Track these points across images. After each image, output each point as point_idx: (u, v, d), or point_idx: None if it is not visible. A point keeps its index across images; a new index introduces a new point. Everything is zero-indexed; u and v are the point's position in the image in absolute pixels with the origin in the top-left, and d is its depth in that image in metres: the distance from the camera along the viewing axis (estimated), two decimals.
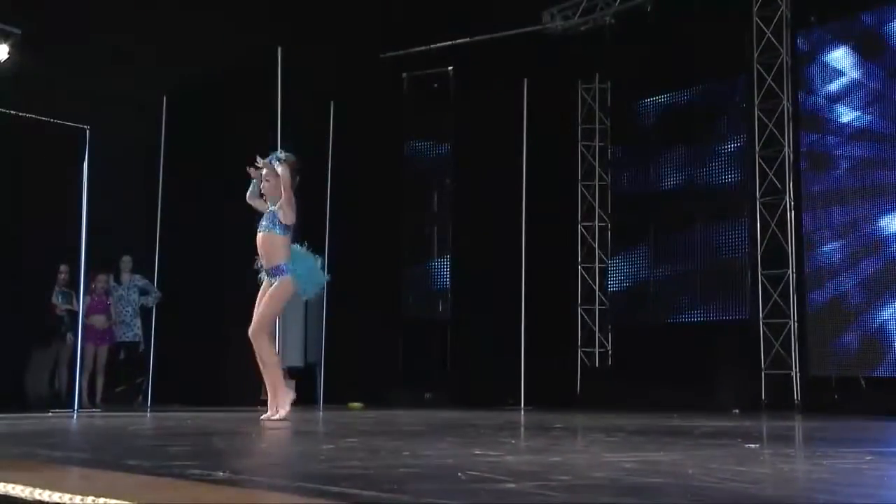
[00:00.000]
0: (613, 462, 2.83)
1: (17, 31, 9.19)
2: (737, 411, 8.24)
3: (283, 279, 5.83)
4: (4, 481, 1.68)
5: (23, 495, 1.54)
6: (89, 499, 1.45)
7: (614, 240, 10.87)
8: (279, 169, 5.85)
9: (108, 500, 1.43)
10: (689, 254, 9.96)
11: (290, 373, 10.89)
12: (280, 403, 5.80)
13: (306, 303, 11.51)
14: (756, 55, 9.44)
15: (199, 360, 9.69)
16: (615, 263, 10.82)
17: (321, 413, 8.67)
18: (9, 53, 9.19)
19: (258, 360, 5.95)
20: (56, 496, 1.49)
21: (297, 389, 10.82)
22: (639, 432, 4.61)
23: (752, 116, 9.42)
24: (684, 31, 9.71)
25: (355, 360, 10.66)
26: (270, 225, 5.84)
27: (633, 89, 10.64)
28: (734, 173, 9.68)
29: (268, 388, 5.95)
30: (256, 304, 5.93)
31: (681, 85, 10.16)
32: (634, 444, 3.76)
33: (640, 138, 10.63)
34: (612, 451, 3.39)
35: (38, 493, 1.53)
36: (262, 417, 5.79)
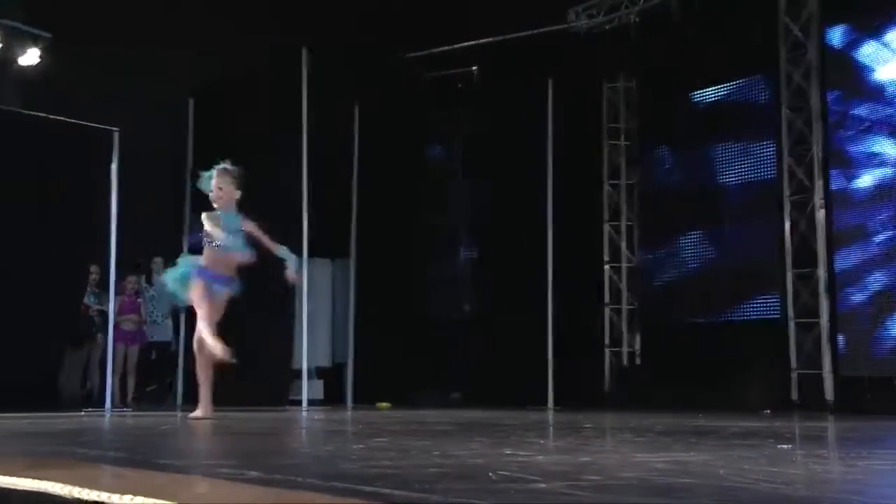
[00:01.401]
0: (643, 462, 2.82)
1: (47, 35, 9.31)
2: (767, 412, 8.17)
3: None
4: (43, 479, 1.71)
5: (62, 493, 1.56)
6: (127, 497, 1.47)
7: (641, 239, 10.82)
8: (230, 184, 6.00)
9: (144, 499, 1.45)
10: (717, 253, 9.89)
11: (318, 372, 10.97)
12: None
13: (334, 303, 11.61)
14: (784, 52, 9.35)
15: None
16: (642, 263, 10.77)
17: (349, 413, 8.70)
18: (40, 57, 9.31)
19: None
20: (94, 494, 1.51)
21: (325, 389, 10.95)
22: (668, 432, 4.59)
23: (780, 114, 9.33)
24: (710, 29, 9.64)
25: (382, 360, 10.69)
26: (235, 245, 5.96)
27: (660, 88, 10.57)
28: (762, 171, 9.59)
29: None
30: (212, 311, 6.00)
31: (708, 83, 10.08)
32: (664, 445, 3.74)
33: (667, 137, 10.56)
34: (641, 451, 3.38)
35: (77, 492, 1.55)
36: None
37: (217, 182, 6.05)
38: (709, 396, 8.62)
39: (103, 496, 1.51)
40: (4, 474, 1.82)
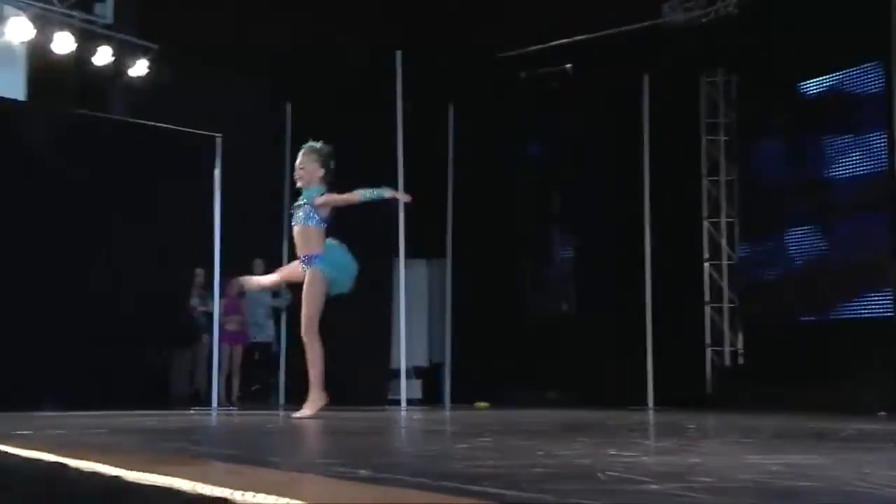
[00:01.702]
0: (756, 464, 2.75)
1: (154, 46, 9.66)
2: (883, 413, 7.84)
3: (312, 270, 5.89)
4: (165, 474, 1.77)
5: (186, 489, 1.61)
6: (249, 494, 1.50)
7: (742, 235, 10.55)
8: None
9: (266, 496, 1.48)
10: (824, 249, 9.56)
11: (415, 372, 11.06)
12: (309, 404, 5.88)
13: (430, 304, 11.69)
14: (894, 38, 8.97)
15: (328, 359, 9.90)
16: (744, 260, 10.50)
17: (447, 412, 8.74)
18: (148, 68, 9.66)
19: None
20: (217, 490, 1.55)
21: (423, 389, 11.03)
22: (777, 434, 4.46)
23: (891, 104, 8.96)
24: (813, 17, 9.32)
25: (480, 360, 10.71)
26: (306, 218, 5.91)
27: (760, 81, 10.28)
28: (870, 164, 9.23)
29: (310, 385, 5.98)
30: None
31: (812, 74, 9.75)
32: (775, 447, 3.64)
33: (771, 130, 10.27)
34: (752, 452, 3.29)
35: (200, 487, 1.59)
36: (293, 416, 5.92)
37: (300, 161, 6.06)
38: (817, 397, 8.34)
39: (226, 492, 1.54)
40: (127, 468, 1.89)
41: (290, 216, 6.20)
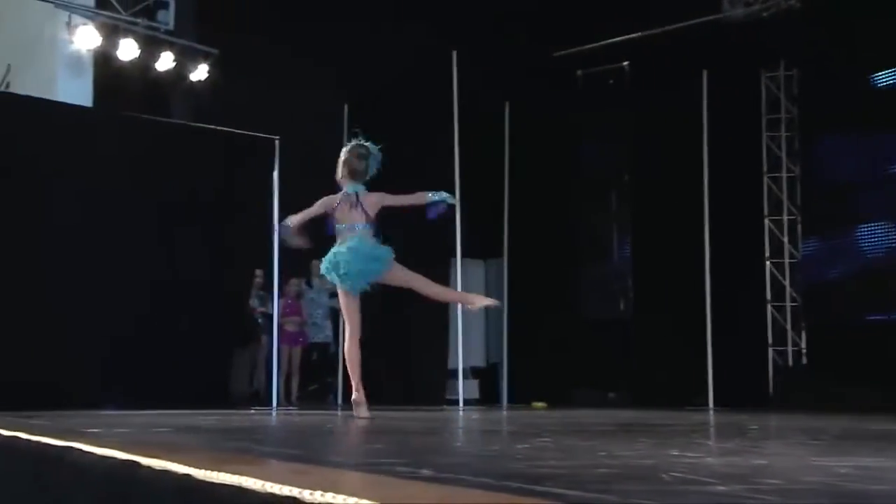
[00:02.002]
0: (825, 466, 2.69)
1: (214, 51, 9.82)
2: None
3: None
4: (234, 473, 1.79)
5: (255, 488, 1.63)
6: (318, 493, 1.52)
7: (805, 233, 10.34)
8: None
9: (335, 495, 1.50)
10: (892, 245, 9.32)
11: (473, 372, 11.07)
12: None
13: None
14: None
15: (384, 360, 9.97)
16: (807, 258, 10.29)
17: (505, 412, 8.73)
18: (208, 72, 9.83)
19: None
20: (286, 490, 1.57)
21: (480, 389, 11.03)
22: (844, 436, 4.37)
23: None
24: (880, 8, 9.09)
25: (537, 360, 10.68)
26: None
27: (823, 75, 10.05)
28: None
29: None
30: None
31: (877, 67, 9.52)
32: (844, 449, 3.56)
33: (832, 126, 10.03)
34: (819, 454, 3.22)
35: (269, 486, 1.62)
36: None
37: (343, 158, 5.95)
38: (884, 397, 8.15)
39: (294, 491, 1.57)
40: (195, 467, 1.93)
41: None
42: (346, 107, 11.24)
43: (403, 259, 5.97)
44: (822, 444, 3.82)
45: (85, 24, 9.31)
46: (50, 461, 2.56)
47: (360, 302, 5.94)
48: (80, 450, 2.44)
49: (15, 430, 3.22)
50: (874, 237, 9.52)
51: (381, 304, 9.78)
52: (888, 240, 9.39)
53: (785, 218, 10.46)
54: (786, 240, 10.43)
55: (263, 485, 1.62)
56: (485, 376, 11.45)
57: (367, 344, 10.27)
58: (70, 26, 9.31)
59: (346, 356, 6.01)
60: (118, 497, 2.07)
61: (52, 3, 9.23)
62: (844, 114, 9.84)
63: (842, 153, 9.98)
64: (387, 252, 5.84)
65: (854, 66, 9.71)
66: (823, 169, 10.18)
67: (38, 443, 2.79)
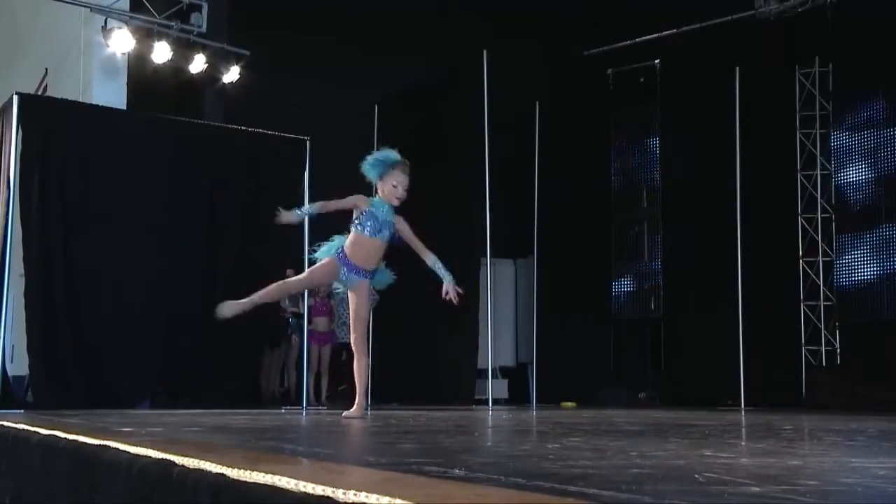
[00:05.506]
0: (863, 468, 2.65)
1: (246, 52, 9.89)
2: None
3: (367, 284, 6.00)
4: (267, 472, 1.80)
5: (289, 487, 1.64)
6: (351, 493, 1.52)
7: (839, 231, 10.21)
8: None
9: (368, 495, 1.50)
10: None
11: (502, 372, 11.05)
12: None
13: (516, 303, 11.67)
14: None
15: (415, 359, 9.99)
16: (841, 257, 10.16)
17: (534, 412, 8.70)
18: (240, 74, 9.91)
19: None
20: (319, 489, 1.58)
21: (509, 388, 11.01)
22: (882, 436, 4.30)
23: None
24: None
25: (567, 360, 10.64)
26: (391, 236, 5.86)
27: (859, 71, 9.92)
28: None
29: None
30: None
31: None
32: (882, 450, 3.51)
33: (867, 123, 9.91)
34: (857, 455, 3.18)
35: (303, 486, 1.62)
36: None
37: (407, 181, 5.88)
38: None
39: (328, 491, 1.57)
40: (229, 466, 1.94)
41: (367, 225, 5.92)
42: (376, 107, 11.27)
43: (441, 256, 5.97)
44: (858, 445, 3.77)
45: (120, 27, 9.42)
46: (86, 459, 2.58)
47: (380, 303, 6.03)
48: (116, 448, 2.47)
49: (52, 429, 3.26)
50: None
51: (409, 305, 9.88)
52: None
53: (819, 216, 10.34)
54: (819, 238, 10.31)
55: (297, 484, 1.63)
56: (514, 376, 11.44)
57: (396, 344, 10.35)
58: (105, 30, 9.43)
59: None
60: (152, 495, 2.09)
61: (88, 7, 9.35)
62: (870, 112, 9.72)
63: (877, 150, 9.84)
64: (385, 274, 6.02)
65: (889, 62, 9.57)
66: (856, 167, 10.05)
67: (74, 441, 2.82)
